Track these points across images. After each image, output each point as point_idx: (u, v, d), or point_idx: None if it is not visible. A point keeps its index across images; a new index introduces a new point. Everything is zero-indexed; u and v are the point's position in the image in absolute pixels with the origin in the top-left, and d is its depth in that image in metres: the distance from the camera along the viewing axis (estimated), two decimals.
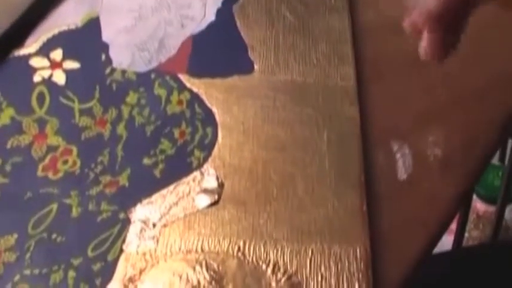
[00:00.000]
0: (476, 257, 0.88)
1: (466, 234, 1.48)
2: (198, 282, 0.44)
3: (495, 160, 1.61)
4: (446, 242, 1.45)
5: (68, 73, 0.55)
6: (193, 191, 0.49)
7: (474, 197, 1.51)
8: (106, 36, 0.58)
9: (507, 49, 0.61)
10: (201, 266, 0.44)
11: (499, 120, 0.57)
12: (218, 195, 0.49)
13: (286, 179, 0.50)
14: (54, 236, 0.46)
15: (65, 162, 0.50)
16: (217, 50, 0.58)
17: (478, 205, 1.59)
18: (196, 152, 0.51)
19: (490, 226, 1.49)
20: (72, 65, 0.55)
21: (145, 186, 0.49)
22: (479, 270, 0.83)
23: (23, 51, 0.56)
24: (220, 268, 0.45)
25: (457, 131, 0.56)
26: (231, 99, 0.54)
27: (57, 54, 0.56)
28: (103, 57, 0.56)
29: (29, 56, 0.55)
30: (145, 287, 0.44)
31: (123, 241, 0.46)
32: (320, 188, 0.49)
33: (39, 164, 0.50)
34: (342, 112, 0.54)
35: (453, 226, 1.43)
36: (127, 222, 0.47)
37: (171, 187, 0.49)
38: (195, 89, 0.54)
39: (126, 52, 0.57)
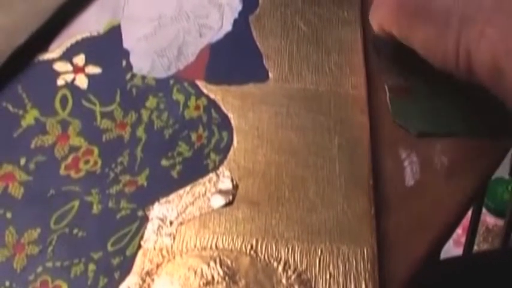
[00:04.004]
0: (486, 263, 0.89)
1: (475, 247, 1.49)
2: (212, 277, 0.45)
3: (505, 174, 1.62)
4: (455, 254, 1.46)
5: (90, 78, 0.56)
6: (208, 192, 0.51)
7: (484, 210, 1.52)
8: (127, 43, 0.59)
9: None
10: (215, 262, 0.46)
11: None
12: (232, 196, 0.50)
13: (298, 181, 0.51)
14: (75, 231, 0.48)
15: (87, 162, 0.52)
16: (233, 58, 0.59)
17: (488, 218, 1.60)
18: (212, 155, 0.53)
19: (499, 239, 1.50)
20: (94, 70, 0.57)
21: (163, 186, 0.51)
22: (488, 276, 0.84)
23: (47, 56, 0.57)
24: (233, 264, 0.46)
25: (464, 139, 0.57)
26: (246, 105, 0.56)
27: (79, 59, 0.57)
28: (124, 63, 0.58)
29: (53, 60, 0.57)
30: (162, 280, 0.46)
31: (141, 237, 0.48)
32: (330, 190, 0.51)
33: (62, 163, 0.51)
34: (352, 119, 0.55)
35: (462, 239, 1.44)
36: (145, 219, 0.49)
37: (188, 187, 0.51)
38: (211, 95, 0.56)
39: (146, 59, 0.58)
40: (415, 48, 0.55)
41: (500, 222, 1.56)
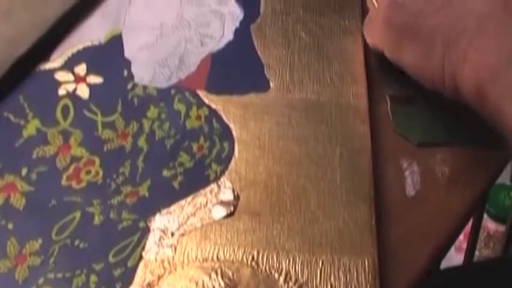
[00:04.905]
0: (487, 272, 0.89)
1: (477, 253, 1.49)
2: None
3: (506, 180, 1.62)
4: (457, 260, 1.46)
5: (92, 87, 0.56)
6: (210, 203, 0.51)
7: (485, 216, 1.52)
8: (128, 52, 0.59)
9: None
10: (216, 273, 0.46)
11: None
12: (234, 207, 0.50)
13: (299, 192, 0.52)
14: (77, 242, 0.48)
15: (88, 172, 0.52)
16: (234, 68, 0.59)
17: (489, 224, 1.60)
18: (214, 166, 0.53)
19: (500, 245, 1.50)
20: (95, 79, 0.57)
21: (165, 197, 0.51)
22: (489, 285, 0.84)
23: (48, 66, 0.57)
24: (234, 276, 0.46)
25: (465, 149, 0.57)
26: (247, 115, 0.56)
27: (81, 69, 0.57)
28: (125, 72, 0.58)
29: (54, 70, 0.57)
30: None
31: (143, 248, 0.48)
32: (331, 201, 0.51)
33: (64, 174, 0.52)
34: (353, 129, 0.55)
35: (464, 244, 1.44)
36: (146, 230, 0.49)
37: (189, 198, 0.51)
38: (213, 105, 0.56)
39: (147, 68, 0.58)
40: (404, 68, 0.55)
41: (502, 228, 1.56)
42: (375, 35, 0.58)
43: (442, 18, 0.51)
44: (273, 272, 0.47)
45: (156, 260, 0.47)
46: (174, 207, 0.50)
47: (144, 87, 0.57)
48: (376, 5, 0.60)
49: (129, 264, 0.47)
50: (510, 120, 0.45)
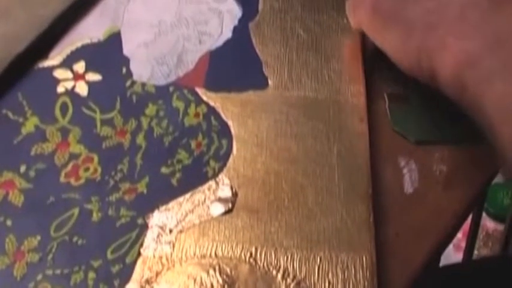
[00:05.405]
0: (485, 270, 0.89)
1: (475, 252, 1.49)
2: (212, 285, 0.45)
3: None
4: (455, 259, 1.46)
5: (90, 85, 0.56)
6: (208, 200, 0.51)
7: (484, 215, 1.52)
8: (127, 50, 0.59)
9: None
10: (214, 270, 0.46)
11: None
12: (232, 204, 0.50)
13: (297, 189, 0.52)
14: (75, 238, 0.48)
15: (87, 169, 0.52)
16: (233, 65, 0.59)
17: (488, 223, 1.60)
18: (212, 163, 0.53)
19: (498, 244, 1.50)
20: (94, 77, 0.57)
21: (163, 193, 0.51)
22: (487, 283, 0.84)
23: (47, 63, 0.57)
24: (232, 273, 0.47)
25: (463, 147, 0.57)
26: (246, 113, 0.56)
27: (80, 66, 0.57)
28: (124, 70, 0.58)
29: (53, 67, 0.57)
30: None
31: (141, 245, 0.48)
32: (329, 198, 0.51)
33: (62, 171, 0.52)
34: (351, 127, 0.55)
35: (462, 243, 1.44)
36: (145, 227, 0.49)
37: (187, 195, 0.51)
38: (211, 103, 0.56)
39: (146, 66, 0.58)
40: (386, 53, 0.55)
41: (500, 227, 1.57)
42: (361, 18, 0.58)
43: (425, 3, 0.50)
44: (271, 268, 0.47)
45: (154, 256, 0.48)
46: (172, 204, 0.50)
47: (143, 85, 0.57)
48: None
49: (127, 260, 0.47)
50: (488, 105, 0.44)
